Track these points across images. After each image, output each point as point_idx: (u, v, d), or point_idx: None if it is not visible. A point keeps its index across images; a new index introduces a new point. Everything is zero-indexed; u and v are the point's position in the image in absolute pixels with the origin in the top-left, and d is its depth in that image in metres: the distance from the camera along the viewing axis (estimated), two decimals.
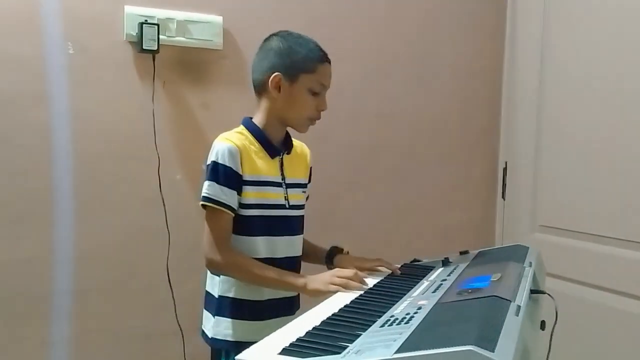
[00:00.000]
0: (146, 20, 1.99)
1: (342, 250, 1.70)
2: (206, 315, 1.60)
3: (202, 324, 1.61)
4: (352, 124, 2.40)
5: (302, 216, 1.65)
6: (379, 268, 1.58)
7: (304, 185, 1.67)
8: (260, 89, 1.57)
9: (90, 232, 2.02)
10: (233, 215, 1.50)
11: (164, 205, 2.06)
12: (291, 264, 1.59)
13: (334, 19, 2.34)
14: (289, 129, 1.64)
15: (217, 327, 1.54)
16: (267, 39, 1.59)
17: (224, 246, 1.48)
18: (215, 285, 1.56)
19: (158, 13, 2.04)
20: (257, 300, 1.53)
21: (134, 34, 2.01)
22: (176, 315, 2.09)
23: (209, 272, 1.58)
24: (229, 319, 1.53)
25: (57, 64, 1.97)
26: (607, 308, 2.11)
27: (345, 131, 2.38)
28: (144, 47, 1.99)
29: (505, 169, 2.61)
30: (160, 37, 2.01)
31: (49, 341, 2.01)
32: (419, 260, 1.70)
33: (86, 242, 2.02)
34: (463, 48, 2.56)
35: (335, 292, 1.37)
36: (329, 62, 1.58)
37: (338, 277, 1.41)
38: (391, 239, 2.45)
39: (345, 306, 1.22)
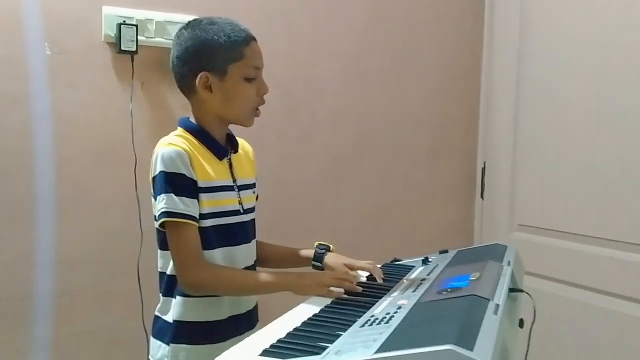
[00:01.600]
0: (125, 21, 1.98)
1: (329, 247, 1.56)
2: (156, 344, 1.42)
3: (149, 353, 1.46)
4: (332, 125, 2.40)
5: (255, 219, 1.53)
6: (362, 273, 1.46)
7: (253, 186, 1.55)
8: (188, 90, 1.42)
9: (69, 234, 2.00)
10: (198, 227, 1.34)
11: (138, 206, 2.05)
12: None
13: (315, 21, 2.34)
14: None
15: (174, 356, 1.38)
16: (178, 35, 1.42)
17: (199, 263, 1.33)
18: (171, 309, 1.40)
19: (137, 14, 2.02)
20: (217, 320, 1.40)
21: (113, 35, 1.99)
22: (143, 319, 2.04)
23: (161, 296, 1.43)
24: (188, 346, 1.38)
25: (35, 65, 1.94)
26: (585, 306, 2.13)
27: (325, 133, 2.39)
28: (122, 48, 1.97)
29: (484, 169, 2.63)
30: (139, 38, 1.99)
31: (29, 344, 1.98)
32: (399, 260, 1.70)
33: (65, 244, 2.00)
34: (441, 50, 2.58)
35: (327, 295, 1.27)
36: (255, 40, 1.41)
37: (336, 278, 1.31)
38: (372, 240, 2.46)
39: (325, 307, 1.22)
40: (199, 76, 1.37)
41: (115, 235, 2.06)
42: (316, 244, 1.58)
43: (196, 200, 1.34)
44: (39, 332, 1.99)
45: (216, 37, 1.37)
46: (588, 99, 2.14)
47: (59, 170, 1.98)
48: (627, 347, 2.00)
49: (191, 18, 2.04)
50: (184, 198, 1.32)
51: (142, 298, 2.04)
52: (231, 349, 0.97)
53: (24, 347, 1.98)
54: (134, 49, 1.99)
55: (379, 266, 1.59)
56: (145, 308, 2.04)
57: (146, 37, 2.03)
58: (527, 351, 1.22)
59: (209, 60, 1.37)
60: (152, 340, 1.45)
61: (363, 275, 1.46)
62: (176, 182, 1.32)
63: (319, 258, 1.53)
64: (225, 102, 1.40)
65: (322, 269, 1.53)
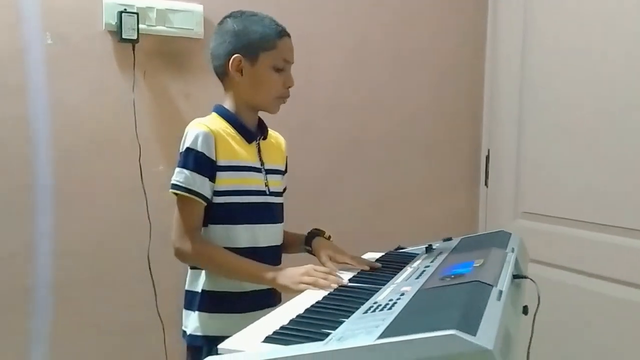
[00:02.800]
0: (125, 9, 1.97)
1: (323, 232, 1.62)
2: (187, 313, 1.54)
3: (182, 324, 1.55)
4: (333, 115, 2.39)
5: (282, 204, 1.62)
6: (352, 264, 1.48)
7: (281, 172, 1.64)
8: (223, 74, 1.53)
9: (72, 225, 2.00)
10: (205, 204, 1.45)
11: (145, 196, 2.04)
12: (274, 254, 1.55)
13: (314, 10, 2.33)
14: (263, 117, 1.60)
15: (197, 323, 1.49)
16: (220, 23, 1.55)
17: (193, 236, 1.44)
18: (198, 281, 1.50)
19: (137, 2, 2.01)
20: (239, 292, 1.48)
21: (113, 24, 1.98)
22: (157, 307, 2.06)
23: (190, 270, 1.53)
24: (212, 314, 1.48)
25: (36, 54, 1.94)
26: (589, 292, 2.13)
27: (326, 122, 2.38)
28: (123, 37, 1.96)
29: (487, 157, 2.62)
30: (140, 26, 1.99)
31: (30, 336, 1.99)
32: (403, 248, 1.70)
33: (67, 235, 2.00)
34: (444, 36, 2.56)
35: (304, 290, 1.29)
36: (289, 36, 1.54)
37: (309, 275, 1.33)
38: (376, 227, 2.46)
39: (329, 294, 1.22)
40: (232, 57, 1.49)
41: (121, 226, 2.06)
42: (311, 229, 1.64)
43: (207, 179, 1.44)
44: (39, 323, 1.99)
45: (255, 26, 1.50)
46: (594, 85, 2.12)
47: (60, 161, 1.98)
48: (631, 333, 2.00)
49: (192, 5, 2.08)
50: (195, 174, 1.43)
51: (155, 287, 2.05)
52: (234, 335, 0.97)
53: (25, 338, 1.99)
54: (135, 38, 1.98)
55: (383, 253, 1.60)
56: (158, 297, 2.06)
57: (147, 25, 2.02)
58: (531, 337, 1.21)
59: (244, 45, 1.49)
60: (184, 311, 1.55)
61: (343, 275, 1.41)
62: (192, 159, 1.43)
63: (308, 241, 1.61)
64: (253, 87, 1.51)
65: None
